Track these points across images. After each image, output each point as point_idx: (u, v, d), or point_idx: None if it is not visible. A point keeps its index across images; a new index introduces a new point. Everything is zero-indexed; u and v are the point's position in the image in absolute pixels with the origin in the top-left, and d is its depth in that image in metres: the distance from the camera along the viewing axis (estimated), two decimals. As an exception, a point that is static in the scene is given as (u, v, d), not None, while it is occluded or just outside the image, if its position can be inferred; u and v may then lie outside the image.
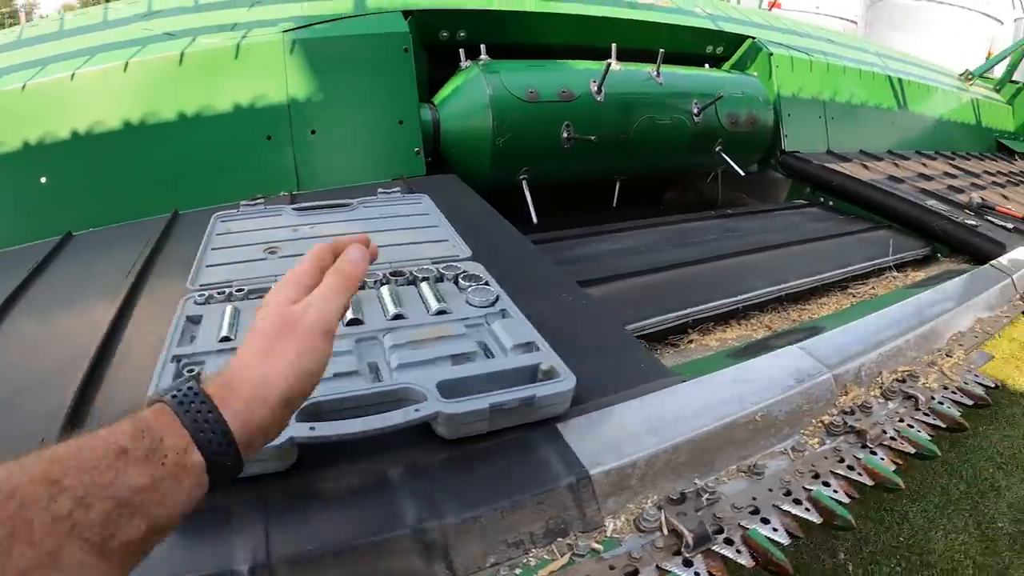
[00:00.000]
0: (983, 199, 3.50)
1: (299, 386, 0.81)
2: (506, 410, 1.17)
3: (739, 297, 2.38)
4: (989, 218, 3.26)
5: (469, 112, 2.89)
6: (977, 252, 2.93)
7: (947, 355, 1.95)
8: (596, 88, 3.05)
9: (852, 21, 13.57)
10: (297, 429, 1.07)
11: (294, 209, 2.24)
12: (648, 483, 1.21)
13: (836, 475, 1.33)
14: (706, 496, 1.18)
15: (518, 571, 1.04)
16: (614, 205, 3.43)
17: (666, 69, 3.36)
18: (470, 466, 1.16)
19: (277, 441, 1.02)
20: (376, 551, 1.01)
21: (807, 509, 1.23)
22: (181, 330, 1.47)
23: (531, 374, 1.27)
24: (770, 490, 1.27)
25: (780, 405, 1.42)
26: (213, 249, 1.94)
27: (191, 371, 1.30)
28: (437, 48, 3.20)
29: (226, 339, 1.41)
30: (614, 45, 3.25)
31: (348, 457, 1.16)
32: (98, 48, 2.97)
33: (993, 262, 2.68)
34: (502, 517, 1.08)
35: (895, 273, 2.88)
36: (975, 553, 2.95)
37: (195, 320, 1.54)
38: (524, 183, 2.96)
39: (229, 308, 1.55)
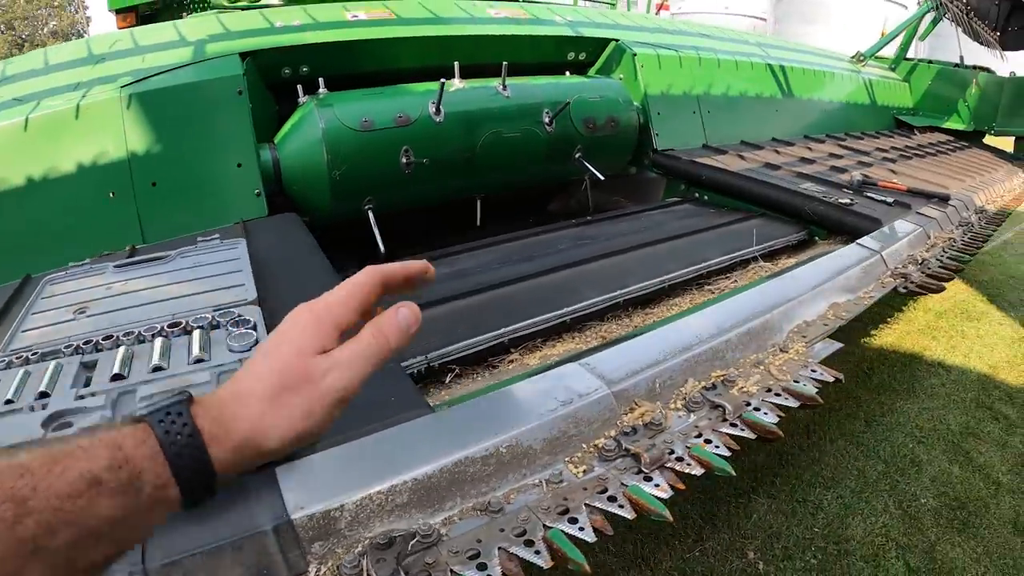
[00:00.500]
0: (865, 176, 3.56)
1: (290, 447, 0.81)
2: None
3: (567, 309, 2.34)
4: (869, 195, 3.28)
5: (304, 148, 2.99)
6: (853, 231, 2.90)
7: (781, 351, 1.81)
8: (434, 109, 3.15)
9: (762, 19, 13.66)
10: None
11: (115, 267, 2.35)
12: (360, 527, 1.18)
13: (591, 508, 1.21)
14: (418, 539, 1.15)
15: None
16: (478, 224, 3.52)
17: (515, 81, 3.46)
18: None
19: None
20: None
21: (537, 552, 1.13)
22: None
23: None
24: (501, 530, 1.18)
25: (535, 432, 1.31)
26: (32, 314, 2.03)
27: None
28: (282, 86, 3.30)
29: (9, 401, 1.50)
30: (456, 64, 3.36)
31: None
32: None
33: (861, 240, 2.64)
34: (203, 561, 1.10)
35: (762, 263, 2.85)
36: (897, 534, 2.91)
37: None
38: (370, 212, 3.06)
39: (20, 372, 1.63)
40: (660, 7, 7.40)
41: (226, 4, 4.35)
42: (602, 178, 3.63)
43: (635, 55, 4.11)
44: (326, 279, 2.23)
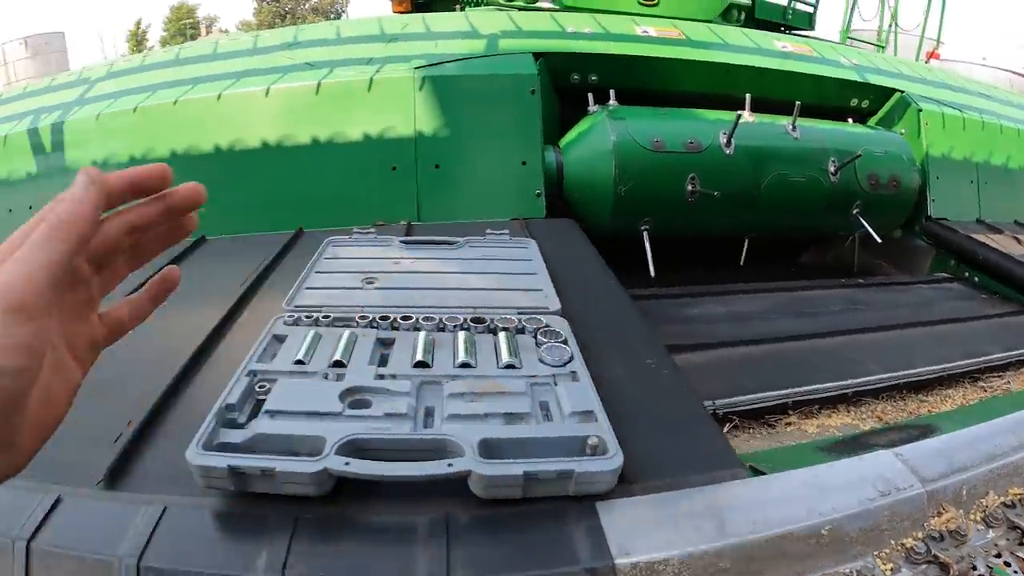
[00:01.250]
0: None
1: None
2: (542, 480, 1.15)
3: (849, 381, 2.19)
4: None
5: (592, 157, 2.89)
6: None
7: (1085, 476, 1.58)
8: (725, 140, 2.98)
9: (1021, 74, 12.82)
10: (332, 461, 1.13)
11: (402, 241, 2.30)
12: None
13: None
14: None
15: None
16: (741, 264, 3.32)
17: (803, 122, 3.25)
18: (498, 530, 1.14)
19: (310, 468, 1.12)
20: None
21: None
22: (264, 347, 1.56)
23: (580, 445, 1.24)
24: None
25: (853, 520, 1.23)
26: (317, 272, 2.03)
27: (263, 387, 1.38)
28: (568, 91, 3.23)
29: (300, 362, 1.48)
30: (748, 96, 3.18)
31: (384, 495, 1.19)
32: (243, 72, 3.18)
33: None
34: None
35: (1043, 368, 2.57)
36: None
37: (280, 339, 1.62)
38: (645, 234, 2.91)
39: (311, 332, 1.62)
40: (931, 55, 6.96)
41: (502, 3, 4.36)
42: (879, 240, 3.35)
43: (920, 111, 3.78)
44: (620, 299, 2.09)
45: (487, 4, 4.51)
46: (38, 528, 1.23)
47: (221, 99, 3.05)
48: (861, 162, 3.31)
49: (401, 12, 4.92)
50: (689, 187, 2.91)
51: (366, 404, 1.33)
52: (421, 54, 3.09)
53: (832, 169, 3.23)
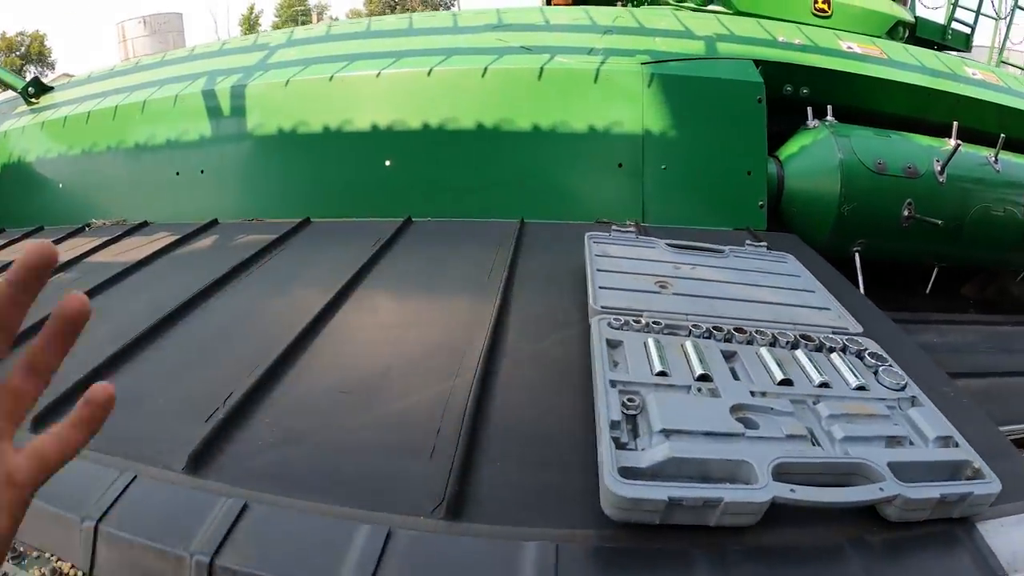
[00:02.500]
0: None
1: None
2: (947, 502, 1.21)
3: None
4: None
5: (817, 173, 2.91)
6: None
7: None
8: (939, 168, 3.00)
9: None
10: (777, 489, 1.15)
11: (667, 244, 2.34)
12: None
13: None
14: None
15: None
16: (927, 292, 3.35)
17: (1004, 156, 3.27)
18: (906, 549, 1.21)
19: (759, 498, 1.14)
20: None
21: None
22: (605, 354, 1.59)
23: (951, 470, 1.30)
24: None
25: None
26: (599, 271, 2.06)
27: (631, 400, 1.39)
28: (777, 101, 3.25)
29: (662, 374, 1.51)
30: (955, 123, 3.19)
31: (796, 519, 1.23)
32: (453, 50, 3.22)
33: None
34: None
35: None
36: None
37: (614, 344, 1.65)
38: (857, 255, 2.95)
39: (651, 340, 1.64)
40: None
41: (673, 3, 4.35)
42: (1067, 279, 3.39)
43: (1106, 152, 3.79)
44: (883, 321, 2.14)
45: (654, 3, 4.50)
46: (109, 508, 1.29)
47: (432, 74, 3.10)
48: (1053, 200, 3.33)
49: (560, 4, 4.92)
50: (905, 212, 2.94)
51: (754, 424, 1.36)
52: (641, 49, 3.11)
53: (1026, 204, 3.26)
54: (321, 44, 3.65)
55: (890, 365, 1.67)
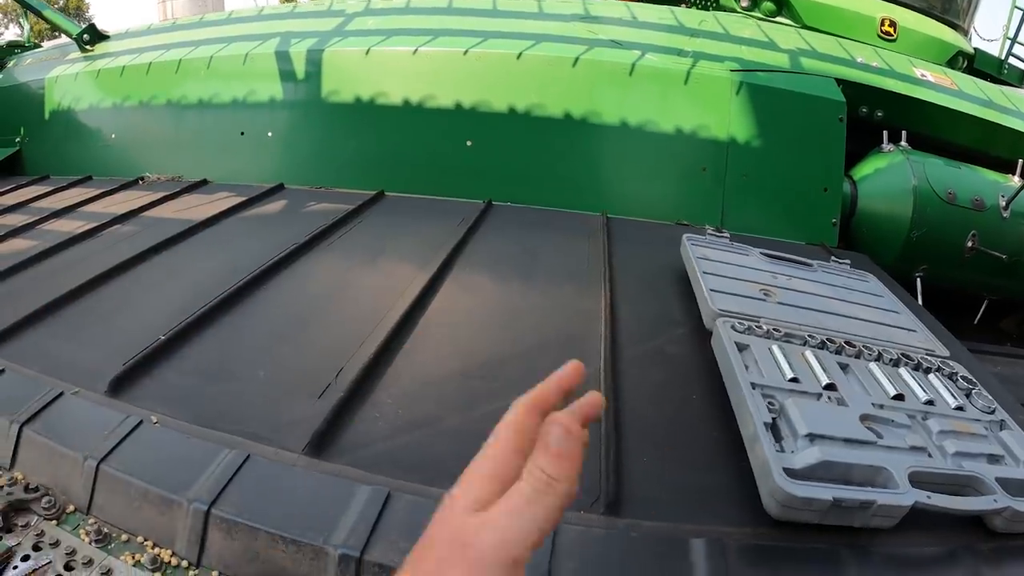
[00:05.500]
0: None
1: None
2: None
3: None
4: None
5: (891, 197, 3.06)
6: None
7: None
8: (1005, 203, 3.17)
9: None
10: (918, 495, 1.30)
11: (761, 253, 2.49)
12: None
13: None
14: None
15: None
16: (975, 322, 3.54)
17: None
18: (1011, 558, 1.38)
19: (904, 502, 1.29)
20: None
21: None
22: (739, 357, 1.72)
23: None
24: None
25: None
26: (704, 273, 2.19)
27: (772, 405, 1.53)
28: (851, 122, 3.40)
29: (794, 380, 1.65)
30: (1021, 161, 3.37)
31: (922, 527, 1.38)
32: (542, 36, 3.34)
33: None
34: None
35: None
36: None
37: (741, 347, 1.78)
38: (919, 280, 3.12)
39: (775, 347, 1.78)
40: None
41: (741, 9, 4.46)
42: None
43: None
44: (959, 348, 2.30)
45: (719, 8, 4.63)
46: (221, 491, 1.32)
47: (521, 58, 3.22)
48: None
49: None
50: (969, 243, 3.11)
51: (880, 434, 1.49)
52: (730, 56, 3.25)
53: (1076, 245, 3.44)
54: (401, 16, 3.75)
55: (980, 389, 1.82)
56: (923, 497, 1.32)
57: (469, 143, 3.23)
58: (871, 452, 1.42)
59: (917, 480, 1.36)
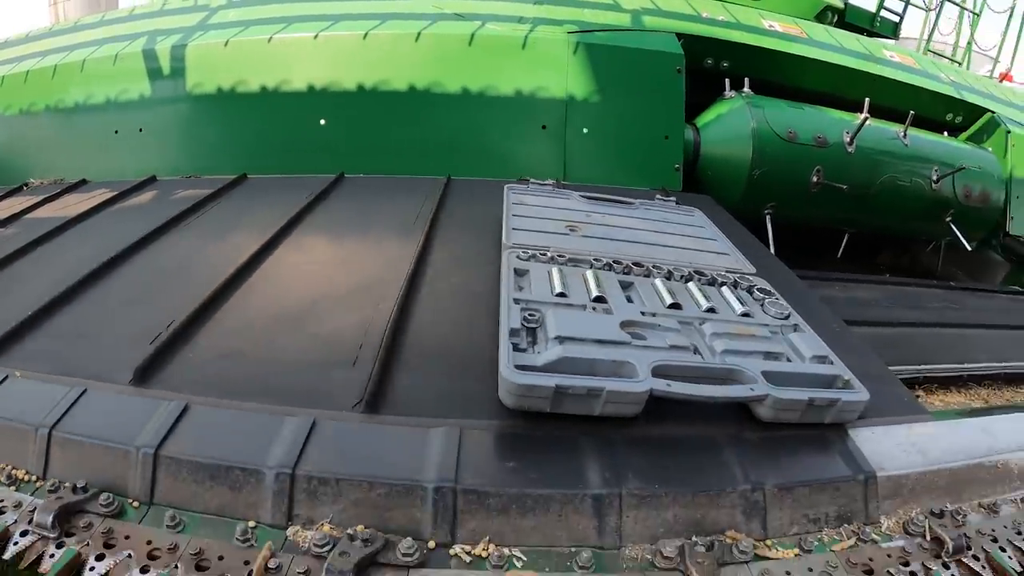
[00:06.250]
0: None
1: None
2: (815, 406, 1.45)
3: (966, 365, 2.56)
4: None
5: (731, 140, 3.18)
6: None
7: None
8: (849, 139, 3.29)
9: None
10: (655, 383, 1.36)
11: (581, 196, 2.58)
12: (915, 496, 1.45)
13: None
14: (959, 518, 1.42)
15: (816, 545, 1.31)
16: (838, 256, 3.66)
17: (912, 131, 3.57)
18: (782, 447, 1.45)
19: (638, 388, 1.35)
20: (712, 501, 1.30)
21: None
22: (512, 280, 1.81)
23: (826, 383, 1.53)
24: (1005, 527, 1.46)
25: (1015, 459, 1.59)
26: (514, 215, 2.28)
27: (531, 316, 1.61)
28: (697, 73, 3.50)
29: (562, 295, 1.74)
30: (867, 99, 3.48)
31: (679, 417, 1.46)
32: (389, 15, 3.43)
33: None
34: (808, 494, 1.36)
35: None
36: None
37: (521, 273, 1.87)
38: (768, 218, 3.23)
39: (554, 269, 1.88)
40: (1004, 76, 7.22)
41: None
42: (969, 247, 3.70)
43: (1009, 132, 4.13)
44: (783, 271, 2.40)
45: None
46: (61, 417, 1.42)
47: (368, 38, 3.30)
48: (958, 175, 3.66)
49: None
50: (814, 178, 3.21)
51: (641, 336, 1.57)
52: (569, 19, 3.34)
53: (935, 178, 3.57)
54: (260, 7, 3.80)
55: (776, 298, 1.92)
56: (661, 385, 1.38)
57: (323, 122, 3.30)
58: (622, 350, 1.50)
59: (664, 373, 1.43)
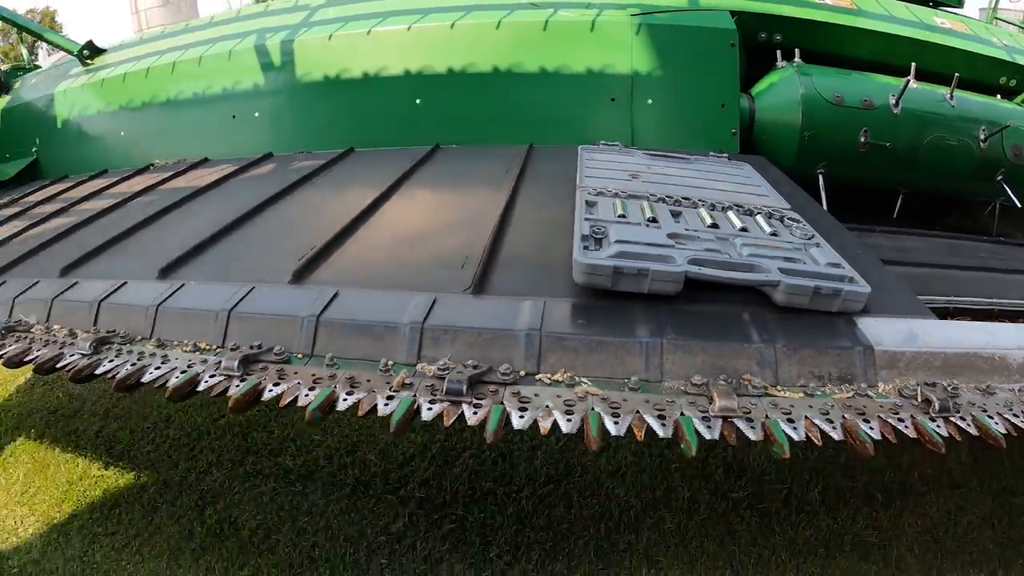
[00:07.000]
0: None
1: None
2: (821, 294, 1.83)
3: (996, 300, 2.88)
4: None
5: (783, 105, 3.55)
6: None
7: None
8: (894, 102, 3.61)
9: None
10: (689, 268, 1.80)
11: (645, 152, 3.03)
12: (910, 370, 1.78)
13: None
14: (951, 390, 1.73)
15: (819, 393, 1.68)
16: (894, 216, 3.97)
17: (959, 93, 3.86)
18: (796, 322, 1.83)
19: (676, 269, 1.79)
20: (734, 352, 1.71)
21: (1015, 415, 1.70)
22: (584, 207, 2.26)
23: (832, 280, 1.89)
24: (996, 404, 1.73)
25: (1014, 355, 1.86)
26: (586, 167, 2.74)
27: (598, 230, 2.05)
28: (753, 47, 3.87)
29: (622, 216, 2.18)
30: (913, 64, 3.79)
31: (710, 300, 1.87)
32: (472, 7, 3.91)
33: None
34: (815, 356, 1.74)
35: None
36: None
37: (591, 204, 2.31)
38: (820, 177, 3.59)
39: (618, 200, 2.33)
40: None
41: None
42: (1020, 205, 3.96)
43: (1061, 94, 4.38)
44: (823, 214, 2.77)
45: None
46: (237, 303, 1.93)
47: (455, 27, 3.80)
48: (1008, 133, 3.92)
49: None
50: (861, 139, 3.57)
51: (684, 243, 2.01)
52: (633, 3, 3.77)
53: (983, 137, 3.84)
54: (355, 4, 4.35)
55: (804, 224, 2.32)
56: (695, 269, 1.82)
57: (418, 101, 3.82)
58: (667, 250, 1.92)
59: (698, 262, 1.86)
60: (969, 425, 1.66)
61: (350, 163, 3.61)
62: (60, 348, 2.07)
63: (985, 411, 1.71)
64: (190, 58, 4.49)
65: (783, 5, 3.94)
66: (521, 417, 1.50)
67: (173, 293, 2.16)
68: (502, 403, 1.55)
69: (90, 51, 5.23)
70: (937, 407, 1.66)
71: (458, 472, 3.67)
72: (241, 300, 2.00)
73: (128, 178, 4.08)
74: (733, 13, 3.74)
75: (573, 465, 3.68)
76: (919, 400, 1.70)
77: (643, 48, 3.57)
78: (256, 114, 4.28)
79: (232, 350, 1.86)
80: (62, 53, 5.72)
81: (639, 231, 2.06)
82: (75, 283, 2.41)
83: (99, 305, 2.22)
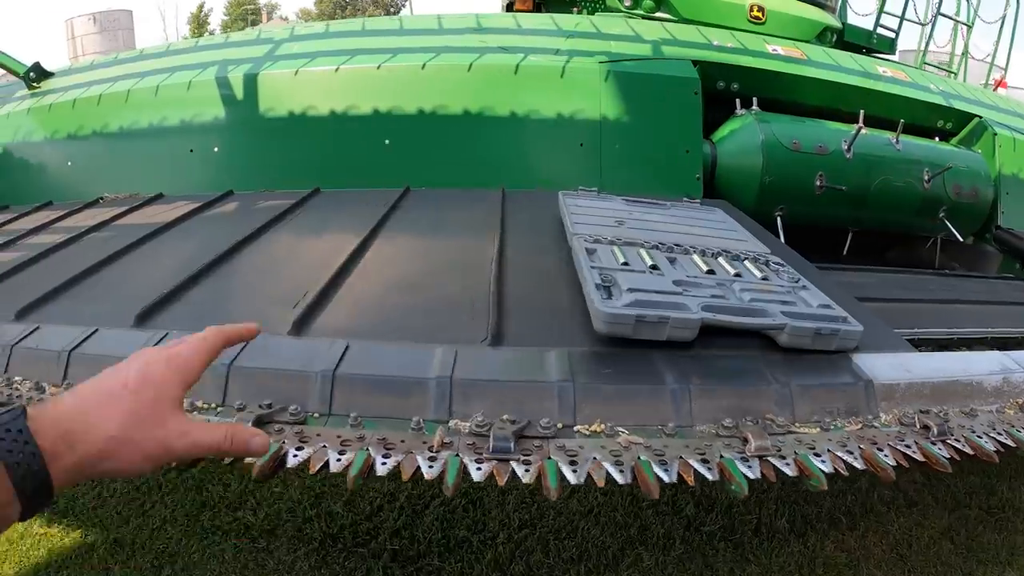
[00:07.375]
0: None
1: (118, 475, 0.88)
2: (821, 335, 1.98)
3: (955, 330, 3.05)
4: None
5: (743, 151, 3.76)
6: None
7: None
8: (847, 147, 3.86)
9: None
10: (704, 315, 1.92)
11: (622, 199, 3.15)
12: (905, 400, 1.93)
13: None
14: (943, 415, 1.89)
15: (833, 427, 1.81)
16: (844, 253, 4.21)
17: (903, 137, 4.13)
18: (801, 362, 1.97)
19: (693, 316, 1.91)
20: (754, 394, 1.83)
21: (999, 433, 1.87)
22: (585, 255, 2.34)
23: (827, 320, 2.04)
24: (981, 424, 1.91)
25: (988, 380, 2.06)
26: (573, 213, 2.84)
27: (607, 279, 2.13)
28: (712, 94, 4.05)
29: (625, 264, 2.29)
30: (862, 111, 4.04)
31: (720, 345, 1.99)
32: (442, 48, 4.01)
33: None
34: (825, 393, 1.89)
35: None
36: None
37: (590, 252, 2.40)
38: (779, 219, 3.79)
39: (616, 248, 2.44)
40: (999, 83, 7.75)
41: (624, 9, 5.20)
42: (961, 239, 4.25)
43: (995, 134, 4.68)
44: (793, 256, 2.92)
45: (606, 10, 5.34)
46: (235, 357, 1.80)
47: (426, 68, 3.88)
48: (948, 174, 4.20)
49: (522, 10, 5.76)
50: (817, 182, 3.79)
51: (690, 290, 2.13)
52: (599, 50, 3.92)
53: (926, 178, 4.11)
54: (322, 40, 4.39)
55: (788, 268, 2.48)
56: (709, 315, 1.94)
57: (387, 142, 3.86)
58: (676, 299, 2.04)
59: (710, 308, 1.99)
60: (964, 446, 1.80)
61: (320, 204, 3.59)
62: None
63: (974, 432, 1.87)
64: (146, 87, 4.37)
65: (741, 56, 4.16)
66: (574, 471, 1.55)
67: (156, 344, 2.03)
68: (551, 457, 1.60)
69: (36, 74, 5.01)
70: (936, 432, 1.80)
71: (429, 521, 3.62)
72: (240, 353, 1.85)
73: (77, 211, 3.94)
74: (695, 63, 3.93)
75: (545, 508, 3.70)
76: (918, 427, 1.84)
77: (611, 95, 3.71)
78: (215, 148, 4.20)
79: (239, 410, 1.73)
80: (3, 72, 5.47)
81: (646, 279, 2.18)
82: (36, 328, 2.17)
83: (69, 355, 1.99)
